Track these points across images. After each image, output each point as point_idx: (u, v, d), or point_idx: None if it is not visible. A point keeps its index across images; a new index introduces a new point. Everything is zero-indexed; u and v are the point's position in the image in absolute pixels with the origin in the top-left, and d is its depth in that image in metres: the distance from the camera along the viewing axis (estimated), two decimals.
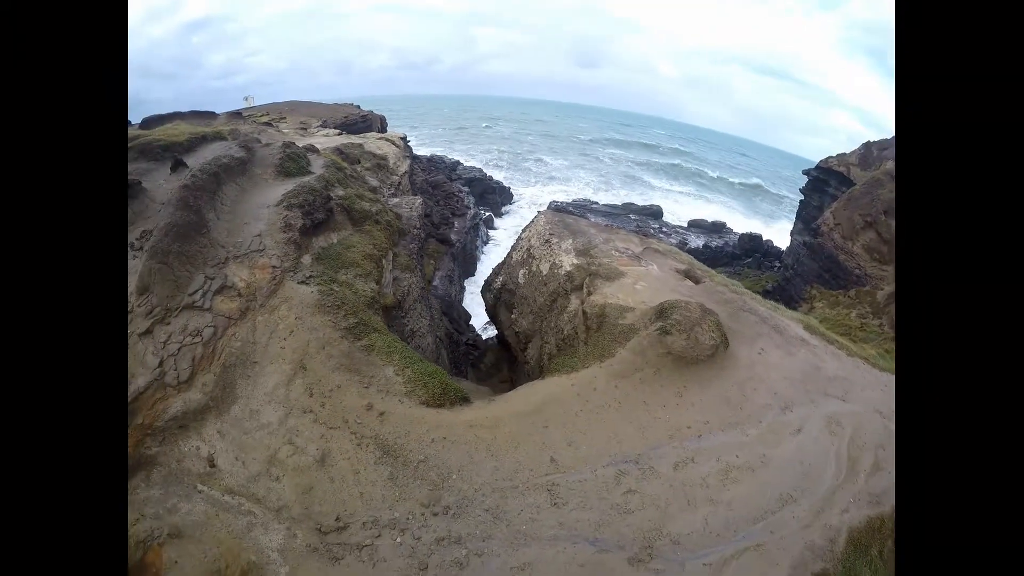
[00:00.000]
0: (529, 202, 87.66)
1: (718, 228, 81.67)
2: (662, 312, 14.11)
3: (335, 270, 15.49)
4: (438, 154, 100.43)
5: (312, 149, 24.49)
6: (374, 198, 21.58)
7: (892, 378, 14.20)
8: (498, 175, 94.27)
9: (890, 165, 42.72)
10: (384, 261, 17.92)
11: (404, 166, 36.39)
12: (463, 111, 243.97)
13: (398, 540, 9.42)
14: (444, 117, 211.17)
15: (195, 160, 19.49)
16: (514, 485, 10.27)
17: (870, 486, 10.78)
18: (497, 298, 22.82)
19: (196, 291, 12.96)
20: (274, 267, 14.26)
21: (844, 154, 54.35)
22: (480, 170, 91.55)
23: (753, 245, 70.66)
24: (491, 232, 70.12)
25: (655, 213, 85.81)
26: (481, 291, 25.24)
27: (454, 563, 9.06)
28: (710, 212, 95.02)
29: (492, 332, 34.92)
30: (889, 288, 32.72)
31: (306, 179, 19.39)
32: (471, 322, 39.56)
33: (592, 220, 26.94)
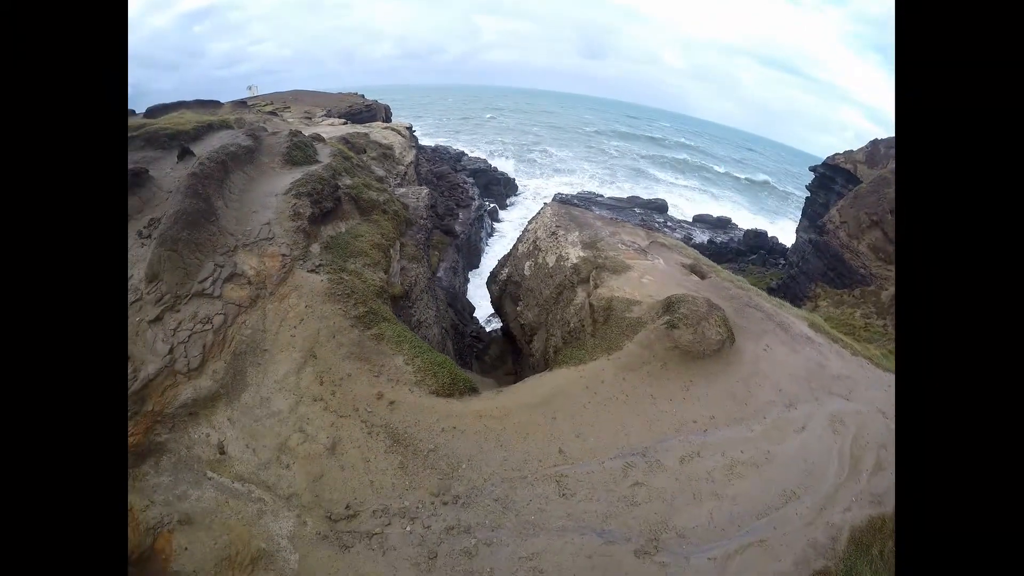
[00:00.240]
0: (534, 194, 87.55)
1: (723, 224, 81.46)
2: (669, 306, 14.12)
3: (344, 259, 15.51)
4: (442, 145, 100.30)
5: (318, 138, 24.47)
6: (381, 188, 21.58)
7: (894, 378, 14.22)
8: (503, 166, 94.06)
9: None
10: (392, 251, 17.94)
11: (410, 156, 36.38)
12: (467, 101, 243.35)
13: (408, 529, 9.50)
14: (448, 107, 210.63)
15: (202, 149, 19.46)
16: (523, 475, 10.34)
17: (872, 485, 10.83)
18: (503, 290, 22.82)
19: (206, 279, 12.99)
20: (283, 255, 14.28)
21: (851, 151, 54.17)
22: (485, 161, 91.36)
23: (758, 242, 70.49)
24: (495, 224, 70.06)
25: (660, 207, 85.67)
26: (487, 283, 25.24)
27: (463, 552, 9.14)
28: (716, 208, 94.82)
29: (496, 324, 34.97)
30: (894, 289, 32.66)
31: (314, 168, 19.37)
32: (475, 314, 39.61)
33: (597, 213, 26.89)
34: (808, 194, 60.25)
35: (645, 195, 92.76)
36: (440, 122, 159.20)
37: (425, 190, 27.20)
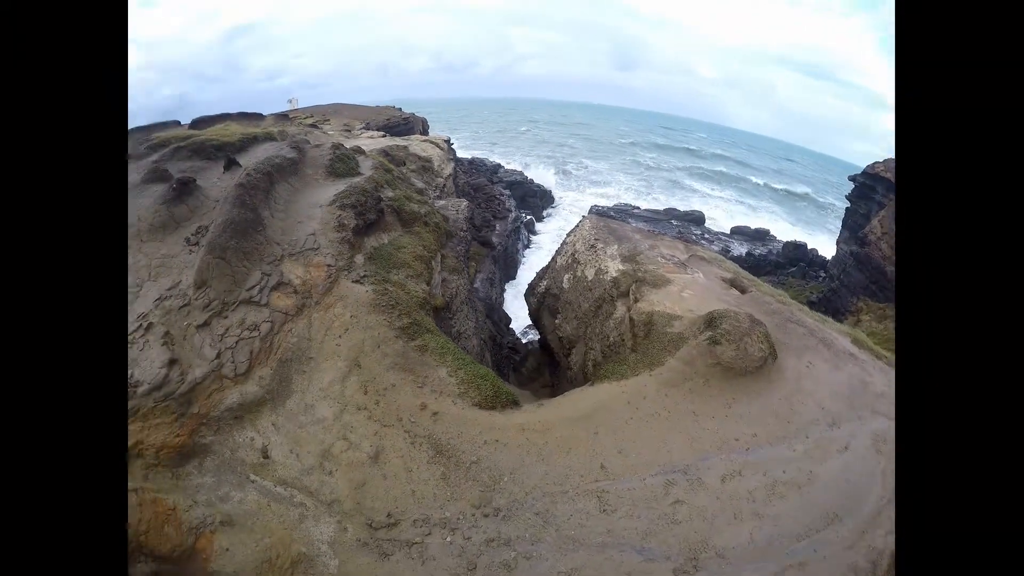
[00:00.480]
0: (570, 206, 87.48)
1: (761, 235, 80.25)
2: (711, 321, 13.95)
3: (387, 270, 15.71)
4: (479, 157, 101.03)
5: (359, 151, 24.87)
6: (422, 200, 21.84)
7: None
8: (539, 178, 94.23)
9: None
10: (433, 263, 18.12)
11: (448, 168, 36.73)
12: (503, 114, 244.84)
13: (448, 539, 9.52)
14: (484, 120, 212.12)
15: (247, 160, 20.02)
16: (564, 490, 10.28)
17: None
18: (541, 302, 22.83)
19: (253, 286, 13.30)
20: (328, 265, 14.54)
21: (891, 159, 52.65)
22: (521, 173, 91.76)
23: (797, 254, 69.22)
24: (532, 235, 70.21)
25: (697, 219, 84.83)
26: (524, 295, 25.28)
27: (502, 565, 9.12)
28: (753, 219, 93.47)
29: (532, 336, 34.97)
30: None
31: (356, 180, 19.70)
32: (511, 325, 39.68)
33: (635, 226, 26.78)
34: (848, 204, 58.85)
35: (682, 207, 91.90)
36: (476, 134, 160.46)
37: (464, 202, 27.43)
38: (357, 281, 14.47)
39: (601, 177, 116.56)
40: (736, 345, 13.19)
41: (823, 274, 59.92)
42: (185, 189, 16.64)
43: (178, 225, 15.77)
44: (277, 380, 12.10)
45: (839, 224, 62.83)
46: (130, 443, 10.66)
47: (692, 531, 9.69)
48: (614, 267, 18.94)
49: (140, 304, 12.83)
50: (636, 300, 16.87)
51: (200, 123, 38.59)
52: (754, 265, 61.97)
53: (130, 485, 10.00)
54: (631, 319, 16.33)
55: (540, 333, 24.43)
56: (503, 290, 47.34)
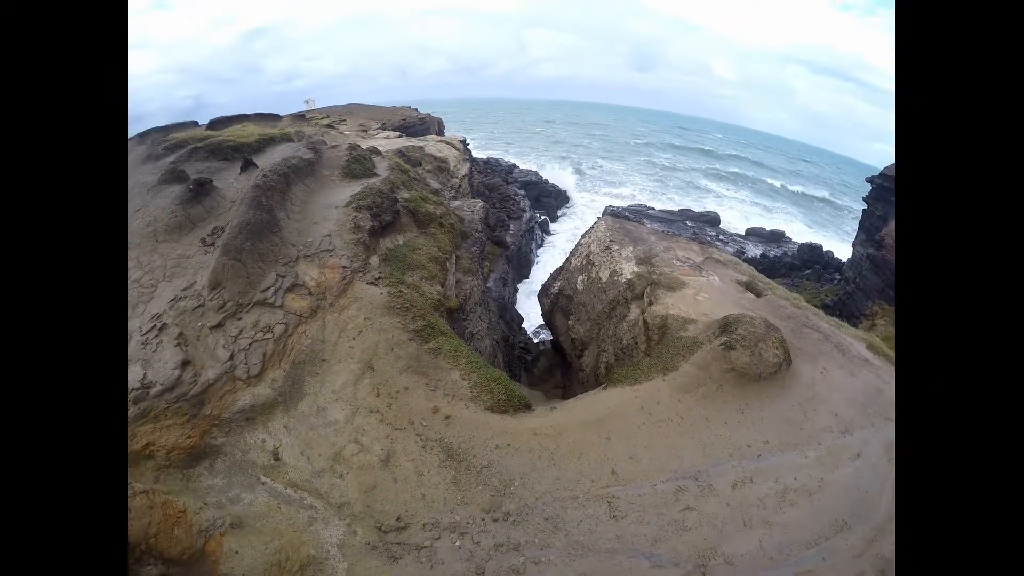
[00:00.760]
0: (585, 206, 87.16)
1: (776, 237, 79.50)
2: (726, 326, 13.84)
3: (402, 272, 15.77)
4: (494, 157, 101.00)
5: (375, 151, 24.99)
6: (438, 201, 21.90)
7: None
8: (554, 178, 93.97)
9: None
10: (448, 264, 18.17)
11: (464, 169, 36.76)
12: (518, 114, 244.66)
13: (457, 544, 9.54)
14: (499, 120, 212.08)
15: (264, 160, 20.15)
16: (574, 495, 10.27)
17: None
18: (554, 303, 22.80)
19: (268, 288, 13.39)
20: (344, 267, 14.61)
21: None
22: (536, 173, 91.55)
23: (813, 256, 68.47)
24: (546, 236, 70.09)
25: (712, 220, 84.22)
26: (538, 295, 25.26)
27: (511, 570, 9.13)
28: (769, 221, 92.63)
29: (544, 335, 34.91)
30: None
31: (372, 181, 19.80)
32: (523, 325, 39.66)
33: (649, 226, 26.61)
34: (865, 206, 58.09)
35: (697, 208, 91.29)
36: (492, 135, 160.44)
37: (480, 203, 27.46)
38: (372, 283, 14.53)
39: (616, 177, 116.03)
40: (751, 351, 13.09)
41: (838, 277, 59.24)
42: (202, 190, 16.79)
43: (194, 226, 15.91)
44: (290, 382, 12.17)
45: (855, 226, 62.02)
46: (141, 444, 10.76)
47: (702, 538, 9.66)
48: (629, 269, 18.86)
49: (155, 304, 12.97)
50: (651, 303, 16.79)
51: (217, 124, 38.94)
52: (769, 267, 61.44)
53: (140, 487, 10.07)
54: (645, 322, 16.26)
55: (552, 334, 24.41)
56: (516, 289, 47.32)
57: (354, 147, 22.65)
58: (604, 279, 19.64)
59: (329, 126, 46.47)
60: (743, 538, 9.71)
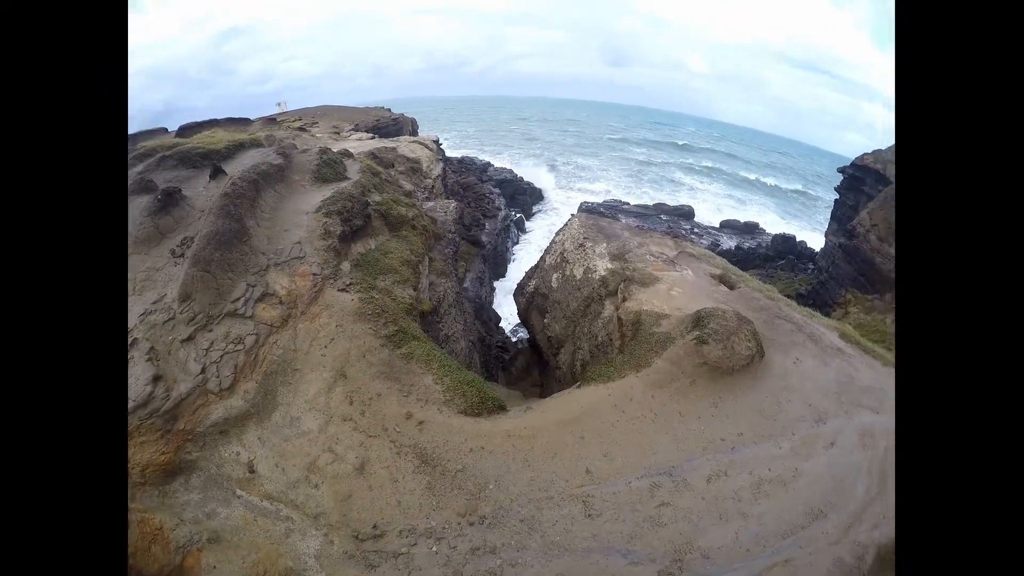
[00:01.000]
0: (560, 203, 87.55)
1: (750, 229, 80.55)
2: (698, 321, 13.98)
3: (374, 276, 15.68)
4: (469, 155, 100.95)
5: (347, 154, 24.79)
6: (410, 203, 21.79)
7: None
8: (529, 176, 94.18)
9: None
10: (421, 266, 18.10)
11: (437, 169, 36.65)
12: (493, 111, 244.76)
13: (434, 549, 9.54)
14: (474, 118, 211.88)
15: (234, 167, 19.88)
16: (549, 496, 10.31)
17: None
18: (530, 302, 22.83)
19: (238, 298, 13.24)
20: (314, 274, 14.49)
21: (880, 151, 52.50)
22: (511, 171, 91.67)
23: (786, 246, 69.49)
24: (522, 233, 70.23)
25: (687, 214, 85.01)
26: (513, 294, 25.27)
27: (488, 573, 9.14)
28: (743, 212, 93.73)
29: (522, 334, 35.01)
30: None
31: (343, 185, 19.62)
32: (501, 324, 39.70)
33: (623, 221, 26.70)
34: (837, 196, 59.00)
35: (671, 201, 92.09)
36: (466, 133, 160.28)
37: (453, 204, 27.41)
38: (343, 289, 14.43)
39: (591, 173, 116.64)
40: (723, 344, 13.23)
41: (812, 266, 60.08)
42: (170, 200, 16.54)
43: (163, 237, 15.68)
44: (262, 393, 12.07)
45: (828, 216, 62.99)
46: None
47: (677, 533, 9.75)
48: (603, 266, 18.96)
49: None
50: (624, 299, 16.89)
51: (187, 130, 38.47)
52: (743, 258, 62.25)
53: None
54: (619, 318, 16.37)
55: (529, 333, 24.45)
56: (493, 288, 47.39)
57: (325, 151, 22.45)
58: (578, 276, 19.71)
59: (301, 129, 46.11)
60: (719, 531, 9.80)
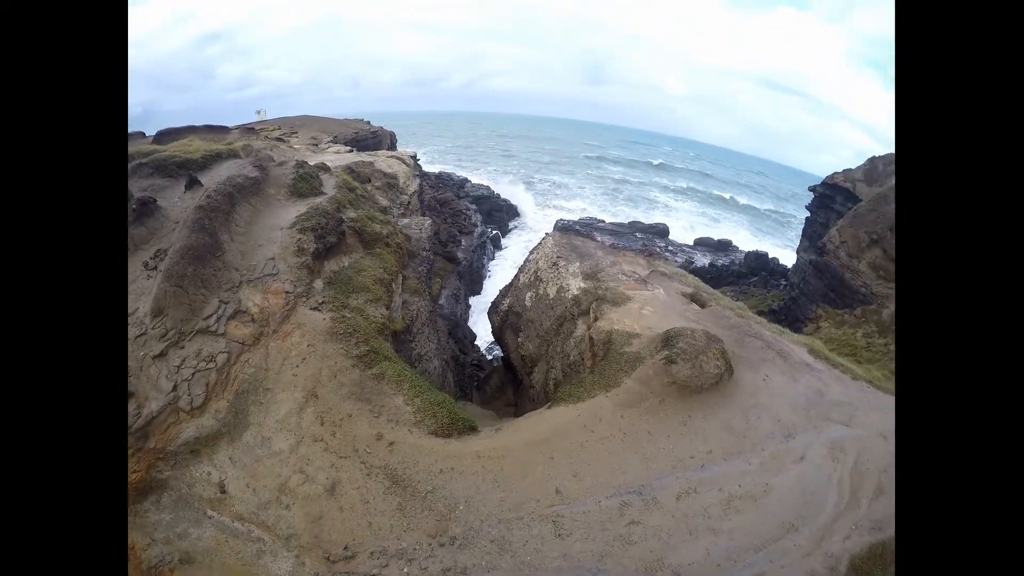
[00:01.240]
0: (536, 220, 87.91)
1: (724, 246, 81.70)
2: (668, 340, 14.21)
3: (346, 295, 15.67)
4: (447, 171, 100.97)
5: (324, 168, 24.71)
6: (385, 220, 21.80)
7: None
8: (506, 192, 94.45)
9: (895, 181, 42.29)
10: (394, 285, 18.10)
11: (414, 185, 36.71)
12: (471, 128, 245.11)
13: (405, 570, 9.55)
14: (452, 134, 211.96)
15: (210, 178, 19.72)
16: (519, 516, 10.39)
17: (872, 512, 10.82)
18: (504, 321, 22.95)
19: (210, 315, 13.17)
20: (287, 292, 14.46)
21: (850, 170, 53.88)
22: (488, 187, 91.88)
23: (759, 263, 70.49)
24: (498, 250, 70.35)
25: (661, 232, 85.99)
26: (488, 313, 25.36)
27: None
28: (717, 231, 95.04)
29: (497, 352, 35.03)
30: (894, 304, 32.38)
31: (319, 200, 19.57)
32: (476, 341, 39.66)
33: (599, 239, 27.01)
34: (808, 214, 60.28)
35: (646, 219, 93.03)
36: (445, 148, 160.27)
37: (428, 221, 27.49)
38: (315, 308, 14.41)
39: (568, 191, 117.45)
40: (692, 363, 13.46)
41: (784, 283, 61.01)
42: (145, 210, 16.38)
43: (137, 248, 15.53)
44: (233, 413, 12.00)
45: (800, 233, 64.17)
46: None
47: (648, 551, 9.89)
48: (576, 285, 19.16)
49: None
50: (596, 319, 17.09)
51: (164, 136, 38.05)
52: (717, 276, 62.99)
53: None
54: (591, 338, 16.55)
55: (503, 351, 24.53)
56: (468, 305, 47.35)
57: (301, 164, 22.37)
58: (552, 295, 19.90)
59: (279, 139, 45.85)
60: (689, 548, 9.95)
